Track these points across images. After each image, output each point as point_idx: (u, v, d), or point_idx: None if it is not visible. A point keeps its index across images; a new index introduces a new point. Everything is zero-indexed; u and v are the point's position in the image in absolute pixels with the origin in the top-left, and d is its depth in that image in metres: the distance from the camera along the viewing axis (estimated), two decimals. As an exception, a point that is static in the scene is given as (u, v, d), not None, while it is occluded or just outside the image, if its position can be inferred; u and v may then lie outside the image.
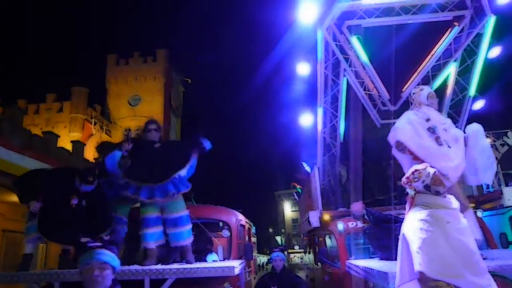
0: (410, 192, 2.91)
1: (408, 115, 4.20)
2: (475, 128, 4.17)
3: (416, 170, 2.89)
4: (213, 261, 5.20)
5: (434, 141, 3.92)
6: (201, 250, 5.20)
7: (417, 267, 2.53)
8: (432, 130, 3.98)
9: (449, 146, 3.91)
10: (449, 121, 4.32)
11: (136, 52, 39.17)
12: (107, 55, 39.64)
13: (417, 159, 3.72)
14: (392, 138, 4.12)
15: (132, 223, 5.03)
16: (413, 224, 2.74)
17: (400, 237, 2.85)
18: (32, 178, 4.71)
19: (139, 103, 37.22)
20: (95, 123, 32.61)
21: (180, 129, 41.90)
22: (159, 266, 4.15)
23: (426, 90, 4.43)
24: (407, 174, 2.96)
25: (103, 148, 4.90)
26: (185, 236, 4.57)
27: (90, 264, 2.15)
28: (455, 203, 2.82)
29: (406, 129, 4.00)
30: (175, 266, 4.16)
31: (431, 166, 2.94)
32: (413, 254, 2.60)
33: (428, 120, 4.08)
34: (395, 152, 4.16)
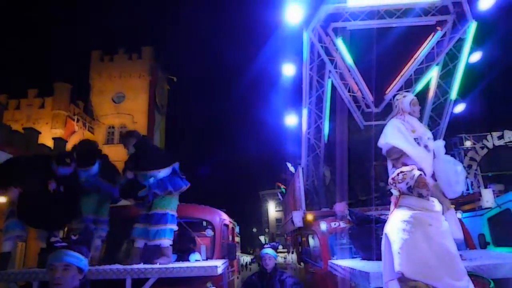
0: (395, 192, 2.96)
1: (395, 123, 4.23)
2: (439, 144, 4.25)
3: (401, 172, 2.94)
4: (196, 260, 5.18)
5: (423, 147, 4.05)
6: (184, 250, 5.18)
7: (397, 267, 2.59)
8: (417, 141, 4.08)
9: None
10: (429, 133, 4.36)
11: (121, 49, 38.59)
12: (91, 51, 39.01)
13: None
14: (384, 145, 4.17)
15: (113, 222, 4.97)
16: (395, 225, 2.78)
17: (383, 236, 2.90)
18: (9, 165, 4.64)
19: (123, 100, 36.68)
20: (77, 120, 32.02)
21: (164, 127, 41.54)
22: (141, 266, 4.12)
23: (409, 97, 4.43)
24: (392, 175, 3.01)
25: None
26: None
27: (52, 265, 2.07)
28: (438, 206, 2.87)
29: (399, 136, 4.08)
30: (157, 265, 4.12)
31: (419, 169, 3.00)
32: (394, 254, 2.65)
33: (413, 131, 4.15)
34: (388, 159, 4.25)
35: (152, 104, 36.97)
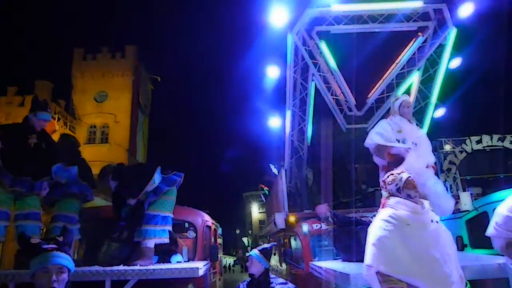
0: (384, 194, 3.06)
1: (381, 123, 4.42)
2: (431, 183, 4.18)
3: (391, 174, 3.04)
4: (178, 262, 5.14)
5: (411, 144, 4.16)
6: (165, 251, 5.13)
7: (367, 260, 2.69)
8: (402, 141, 4.17)
9: None
10: (423, 135, 4.50)
11: (104, 47, 38.07)
12: (73, 49, 38.38)
13: (392, 165, 3.87)
14: (371, 143, 4.30)
15: (92, 223, 4.90)
16: (376, 223, 2.88)
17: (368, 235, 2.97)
18: None
19: (106, 99, 36.16)
20: (58, 119, 31.40)
21: (148, 127, 41.17)
22: (121, 267, 4.07)
23: (400, 99, 4.59)
24: (383, 178, 3.10)
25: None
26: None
27: (46, 268, 2.04)
28: (425, 207, 2.94)
29: (382, 134, 4.25)
30: (137, 267, 4.08)
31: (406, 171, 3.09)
32: (367, 248, 2.76)
33: (399, 131, 4.25)
34: (375, 157, 4.34)
35: (135, 104, 36.60)
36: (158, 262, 4.86)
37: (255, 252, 3.96)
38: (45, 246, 2.14)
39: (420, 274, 2.58)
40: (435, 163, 4.51)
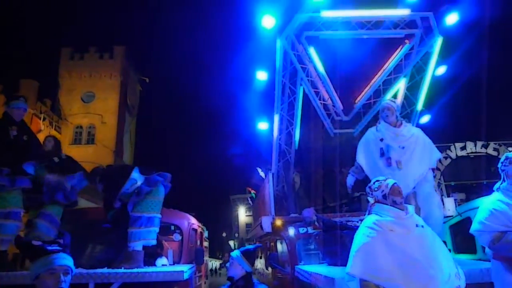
0: (371, 200, 3.09)
1: (367, 134, 4.56)
2: (426, 190, 4.32)
3: (377, 181, 3.07)
4: (163, 265, 5.11)
5: (385, 161, 4.20)
6: (150, 254, 5.10)
7: (348, 268, 2.73)
8: (382, 151, 4.23)
9: (399, 168, 4.16)
10: (416, 135, 4.44)
11: (92, 47, 37.76)
12: (61, 49, 37.94)
13: None
14: (357, 159, 4.56)
15: (77, 225, 4.84)
16: (360, 230, 2.91)
17: None
18: None
19: (93, 100, 35.82)
20: (44, 119, 30.93)
21: (135, 129, 40.86)
22: (105, 270, 4.03)
23: (382, 104, 4.68)
24: (369, 184, 3.13)
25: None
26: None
27: (53, 269, 2.09)
28: (409, 213, 2.98)
29: (362, 152, 4.45)
30: (121, 269, 4.04)
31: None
32: (350, 256, 2.79)
33: (381, 139, 4.30)
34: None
35: (122, 104, 36.33)
36: (143, 265, 4.82)
37: (236, 253, 3.77)
38: (50, 248, 2.19)
39: (404, 279, 2.61)
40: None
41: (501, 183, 3.39)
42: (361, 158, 4.51)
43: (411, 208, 3.03)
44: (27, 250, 2.27)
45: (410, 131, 4.46)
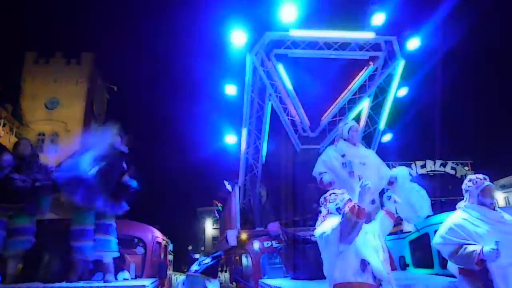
0: (323, 211, 3.17)
1: (326, 151, 4.78)
2: (403, 172, 4.64)
3: (334, 193, 3.18)
4: (124, 279, 5.03)
5: (347, 174, 4.41)
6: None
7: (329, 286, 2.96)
8: (345, 165, 4.43)
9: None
10: (372, 154, 4.83)
11: (58, 53, 36.78)
12: (25, 52, 36.70)
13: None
14: (317, 171, 4.64)
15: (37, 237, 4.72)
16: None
17: None
18: None
19: (57, 106, 34.72)
20: (4, 124, 29.68)
21: (101, 138, 39.82)
22: (64, 284, 3.95)
23: (350, 124, 4.89)
24: (325, 195, 3.23)
25: None
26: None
27: None
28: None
29: (327, 163, 4.59)
30: (81, 283, 3.97)
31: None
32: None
33: (343, 155, 4.51)
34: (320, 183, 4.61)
35: (88, 112, 35.44)
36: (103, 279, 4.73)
37: (195, 268, 3.66)
38: None
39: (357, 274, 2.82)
40: None
41: (465, 202, 3.64)
42: (321, 168, 4.64)
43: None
44: None
45: (367, 151, 4.91)
